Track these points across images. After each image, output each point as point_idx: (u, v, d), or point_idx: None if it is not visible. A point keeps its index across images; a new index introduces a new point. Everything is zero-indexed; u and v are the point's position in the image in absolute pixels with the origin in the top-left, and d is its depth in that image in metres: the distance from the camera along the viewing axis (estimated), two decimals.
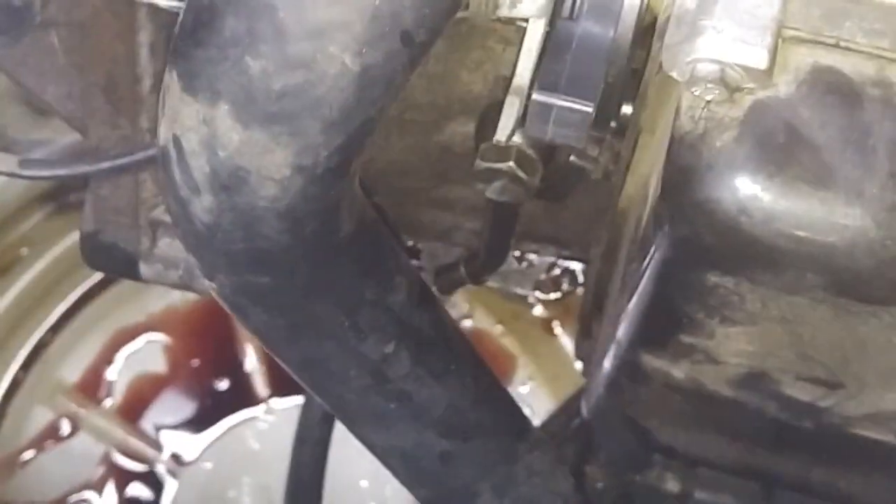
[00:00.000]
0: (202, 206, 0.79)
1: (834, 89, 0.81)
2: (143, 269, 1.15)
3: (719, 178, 0.80)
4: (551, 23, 0.91)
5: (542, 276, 1.32)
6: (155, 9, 0.97)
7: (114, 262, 1.16)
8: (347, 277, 0.89)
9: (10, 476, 1.77)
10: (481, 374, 1.07)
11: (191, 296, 1.78)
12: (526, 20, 0.92)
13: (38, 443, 1.78)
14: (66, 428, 1.78)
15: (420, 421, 1.01)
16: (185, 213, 0.81)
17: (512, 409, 1.11)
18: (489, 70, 1.00)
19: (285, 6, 0.73)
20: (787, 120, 0.80)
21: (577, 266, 1.33)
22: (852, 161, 0.79)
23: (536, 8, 0.91)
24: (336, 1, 0.73)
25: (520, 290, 1.32)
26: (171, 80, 0.78)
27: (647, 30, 0.92)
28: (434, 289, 1.18)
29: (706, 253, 0.82)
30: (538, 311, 1.80)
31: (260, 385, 1.82)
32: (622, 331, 0.95)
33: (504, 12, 0.92)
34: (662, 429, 1.08)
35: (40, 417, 1.78)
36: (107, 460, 1.79)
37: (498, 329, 1.82)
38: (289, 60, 0.74)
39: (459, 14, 0.81)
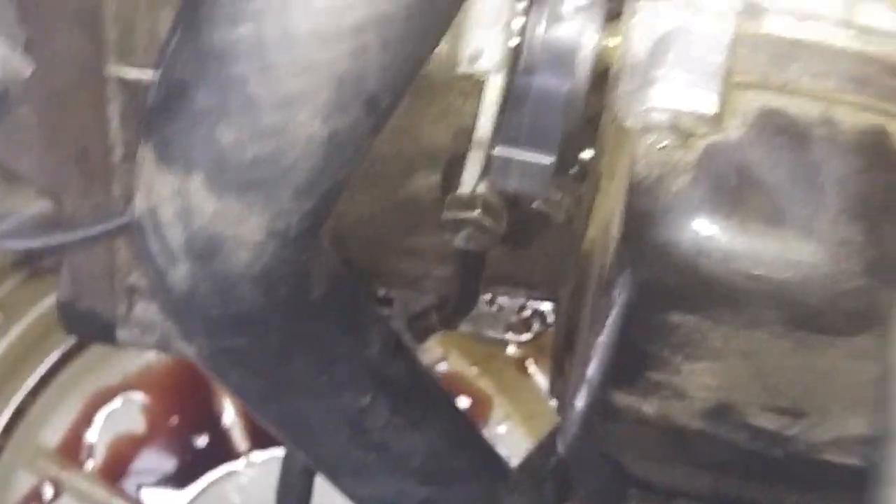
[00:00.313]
0: (179, 274, 0.81)
1: (782, 131, 0.83)
2: (121, 333, 1.15)
3: (677, 222, 0.81)
4: (509, 76, 0.93)
5: (513, 319, 1.33)
6: (124, 80, 0.99)
7: (91, 329, 1.16)
8: (322, 336, 0.90)
9: None
10: (457, 420, 1.09)
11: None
12: (485, 75, 0.95)
13: None
14: (49, 492, 1.77)
15: (400, 470, 1.02)
16: (162, 281, 0.82)
17: (489, 453, 1.12)
18: (451, 123, 1.01)
19: (255, 78, 0.74)
20: (738, 162, 0.82)
21: (546, 306, 1.34)
22: (802, 199, 0.81)
23: (494, 63, 0.93)
24: (304, 70, 0.75)
25: (492, 333, 1.33)
26: (146, 152, 0.79)
27: (602, 77, 0.93)
28: (408, 337, 1.20)
29: (668, 294, 0.84)
30: (512, 350, 1.80)
31: (239, 439, 1.82)
32: (592, 369, 0.95)
33: (464, 69, 0.94)
34: (637, 463, 1.09)
35: (23, 482, 1.77)
36: None
37: (473, 371, 1.82)
38: (261, 130, 0.75)
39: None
